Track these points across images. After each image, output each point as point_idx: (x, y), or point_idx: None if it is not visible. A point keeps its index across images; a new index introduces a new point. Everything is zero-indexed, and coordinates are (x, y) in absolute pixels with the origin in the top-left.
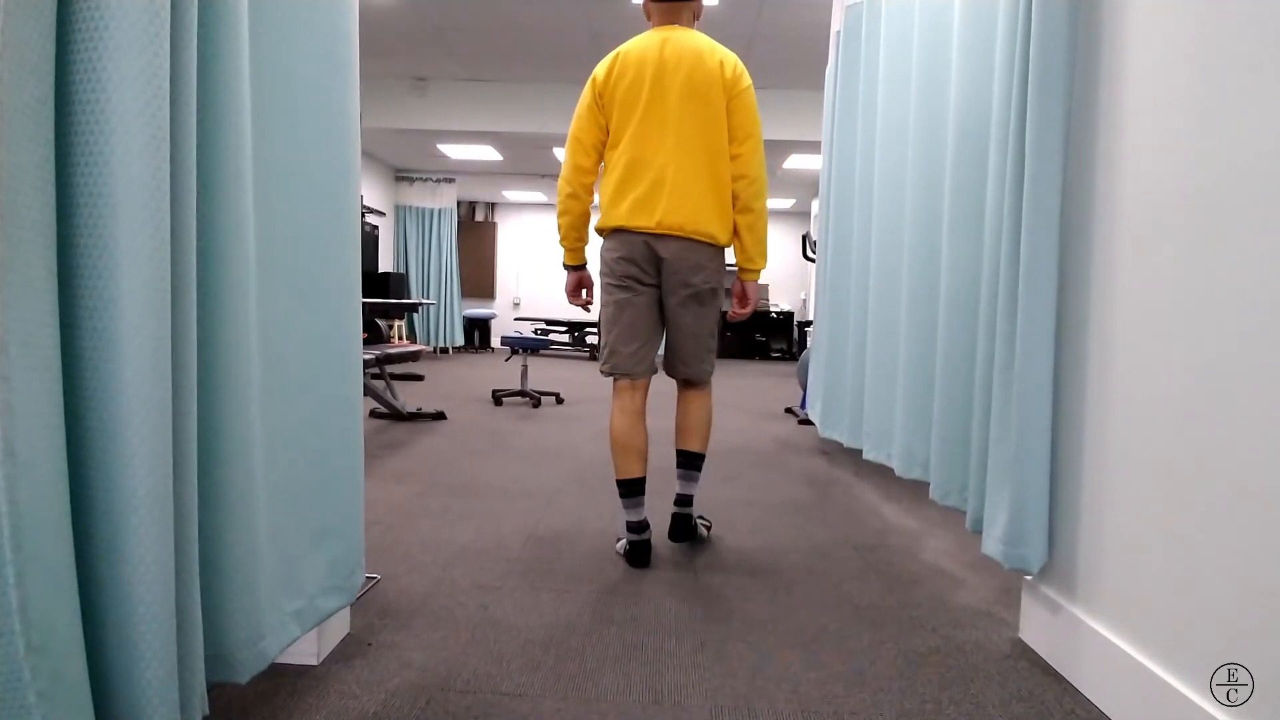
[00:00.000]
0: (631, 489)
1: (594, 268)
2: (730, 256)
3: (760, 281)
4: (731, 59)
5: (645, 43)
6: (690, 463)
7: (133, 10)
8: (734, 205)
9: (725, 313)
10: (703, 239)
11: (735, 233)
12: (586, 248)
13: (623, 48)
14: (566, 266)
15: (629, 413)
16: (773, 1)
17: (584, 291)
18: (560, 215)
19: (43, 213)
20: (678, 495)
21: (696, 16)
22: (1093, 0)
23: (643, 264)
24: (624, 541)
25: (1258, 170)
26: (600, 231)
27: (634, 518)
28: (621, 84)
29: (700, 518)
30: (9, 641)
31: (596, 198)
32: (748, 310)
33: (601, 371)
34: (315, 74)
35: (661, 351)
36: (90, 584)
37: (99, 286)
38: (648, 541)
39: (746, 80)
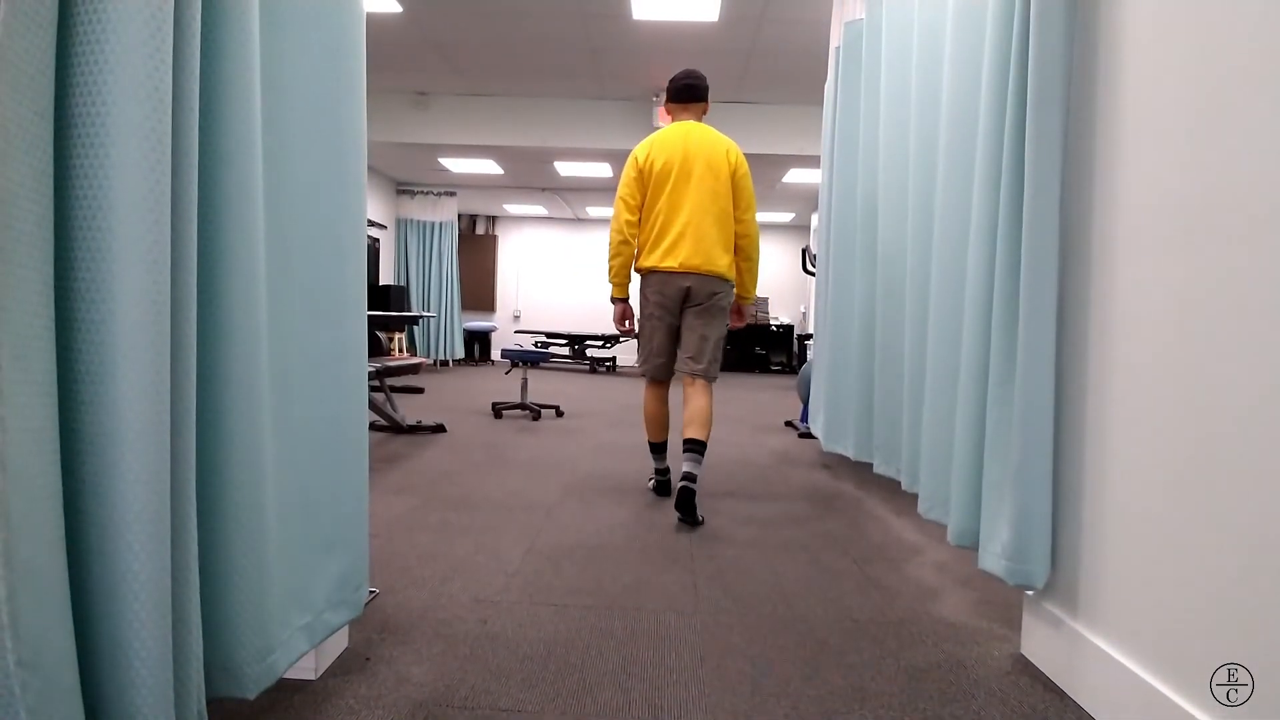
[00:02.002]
0: (658, 448)
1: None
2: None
3: (760, 295)
4: (735, 148)
5: (671, 134)
6: (694, 447)
7: (133, 24)
8: (738, 254)
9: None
10: (714, 274)
11: (738, 272)
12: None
13: (655, 137)
14: (614, 300)
15: (658, 398)
16: (771, 18)
17: (627, 321)
18: (613, 258)
19: (39, 226)
20: (684, 473)
21: (704, 113)
22: (1090, 14)
23: (672, 296)
24: (652, 480)
25: (1255, 183)
26: (639, 270)
27: (659, 465)
28: (657, 164)
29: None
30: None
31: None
32: (743, 323)
33: (641, 373)
34: (327, 89)
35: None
36: (83, 600)
37: (96, 300)
38: (669, 480)
39: (745, 164)
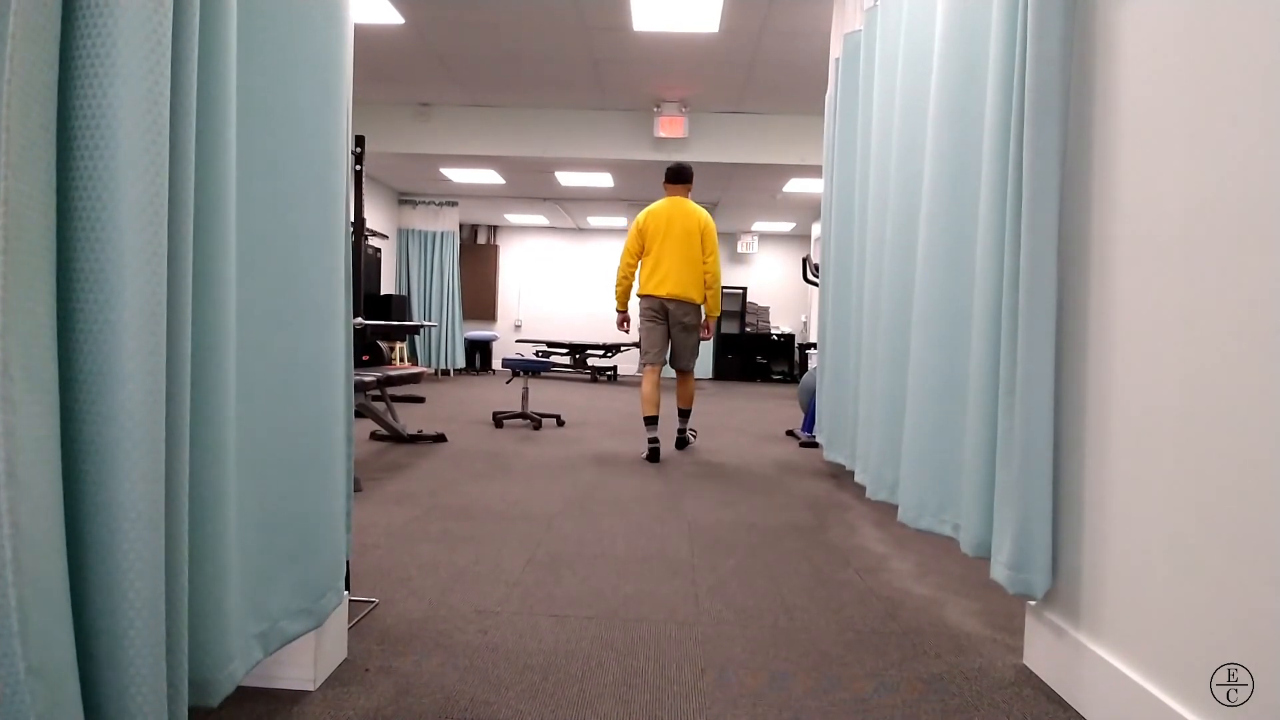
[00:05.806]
0: (650, 421)
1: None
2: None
3: (761, 304)
4: (705, 216)
5: (662, 207)
6: (683, 413)
7: (134, 38)
8: (705, 285)
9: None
10: (689, 300)
11: (705, 297)
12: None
13: (652, 208)
14: (618, 311)
15: (653, 382)
16: (771, 30)
17: (626, 324)
18: (617, 286)
19: (45, 237)
20: (678, 429)
21: (689, 190)
22: (1088, 25)
23: (659, 312)
24: (646, 450)
25: (1252, 191)
26: (639, 295)
27: (651, 434)
28: (650, 226)
29: (691, 432)
30: (10, 664)
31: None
32: (710, 334)
33: (641, 362)
34: (309, 104)
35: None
36: (82, 605)
37: (95, 311)
38: (658, 448)
39: (712, 227)
